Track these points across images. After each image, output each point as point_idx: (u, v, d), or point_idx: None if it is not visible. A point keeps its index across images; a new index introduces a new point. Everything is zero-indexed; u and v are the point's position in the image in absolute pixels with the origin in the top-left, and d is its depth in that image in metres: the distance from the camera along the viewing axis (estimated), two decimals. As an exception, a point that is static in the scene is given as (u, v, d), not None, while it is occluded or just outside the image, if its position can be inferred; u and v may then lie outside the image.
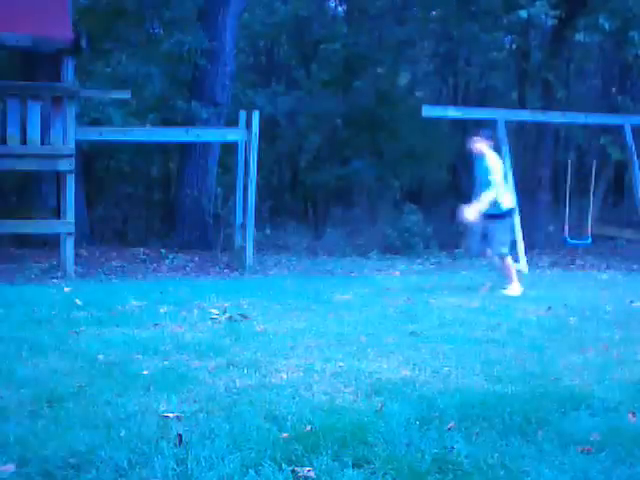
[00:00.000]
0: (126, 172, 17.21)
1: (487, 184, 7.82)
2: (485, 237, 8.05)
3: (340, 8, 19.77)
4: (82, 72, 11.16)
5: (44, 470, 3.01)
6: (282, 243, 12.88)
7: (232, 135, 10.98)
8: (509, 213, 8.18)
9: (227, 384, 4.24)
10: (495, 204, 7.87)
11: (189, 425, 3.52)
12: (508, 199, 8.14)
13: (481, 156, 7.98)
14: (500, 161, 8.13)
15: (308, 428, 3.45)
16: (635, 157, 12.14)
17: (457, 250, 12.39)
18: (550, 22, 12.31)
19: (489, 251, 8.14)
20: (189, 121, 12.20)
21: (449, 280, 9.19)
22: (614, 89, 18.30)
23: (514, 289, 7.97)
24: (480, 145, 8.02)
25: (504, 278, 8.13)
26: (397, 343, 5.38)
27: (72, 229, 9.26)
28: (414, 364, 4.76)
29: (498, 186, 7.83)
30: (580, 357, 5.06)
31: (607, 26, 12.11)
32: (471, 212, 7.73)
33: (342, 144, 17.60)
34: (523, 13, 11.90)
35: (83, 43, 9.04)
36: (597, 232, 12.47)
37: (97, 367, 4.53)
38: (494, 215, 7.89)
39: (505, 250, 8.04)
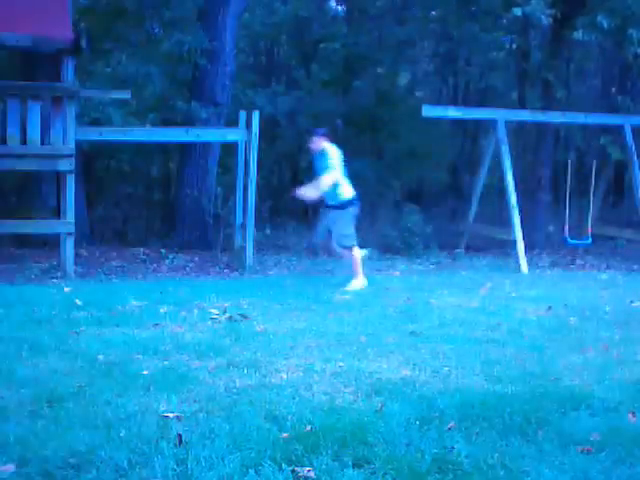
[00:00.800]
0: (126, 172, 17.20)
1: (326, 170, 8.11)
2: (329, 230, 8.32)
3: (340, 8, 19.76)
4: (82, 72, 11.15)
5: (44, 470, 3.02)
6: (282, 243, 12.87)
7: (232, 135, 10.97)
8: (349, 203, 8.26)
9: (227, 384, 4.24)
10: (335, 195, 8.17)
11: (189, 425, 3.52)
12: (347, 190, 8.26)
13: (321, 152, 8.22)
14: (339, 153, 8.31)
15: (308, 428, 3.45)
16: (635, 157, 12.14)
17: (457, 250, 12.40)
18: (546, 21, 12.28)
19: (335, 247, 8.37)
20: (189, 121, 12.19)
21: (449, 280, 9.19)
22: (614, 89, 18.30)
23: (357, 283, 8.13)
24: (318, 142, 8.26)
25: (354, 270, 8.27)
26: (397, 343, 5.38)
27: (72, 229, 9.25)
28: (414, 364, 4.77)
29: (337, 174, 8.10)
30: (580, 357, 5.07)
31: (605, 24, 12.11)
32: (309, 191, 8.08)
33: (342, 144, 17.55)
34: (517, 11, 11.90)
35: (83, 43, 9.03)
36: (597, 232, 12.47)
37: (97, 367, 4.53)
38: (334, 206, 8.22)
39: (349, 242, 8.24)
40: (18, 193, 13.60)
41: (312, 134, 8.44)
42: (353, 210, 8.32)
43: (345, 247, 8.28)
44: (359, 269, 8.28)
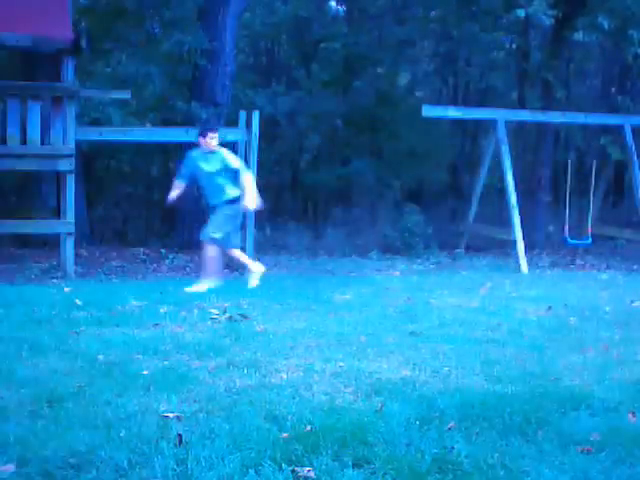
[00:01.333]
0: (126, 172, 17.22)
1: (234, 171, 8.08)
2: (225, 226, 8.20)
3: (340, 8, 19.76)
4: (82, 72, 11.16)
5: (44, 470, 3.01)
6: (282, 243, 12.88)
7: (232, 135, 10.95)
8: (237, 200, 8.17)
9: (227, 384, 4.24)
10: (222, 194, 8.09)
11: (189, 425, 3.52)
12: (234, 191, 8.17)
13: (213, 151, 8.15)
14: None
15: (308, 428, 3.45)
16: (635, 157, 12.15)
17: (457, 250, 12.41)
18: (548, 22, 12.30)
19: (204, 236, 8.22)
20: (189, 121, 12.19)
21: (449, 280, 9.19)
22: (614, 89, 18.30)
23: (203, 285, 7.92)
24: (215, 142, 8.18)
25: (204, 270, 8.15)
26: (397, 343, 5.38)
27: (72, 229, 9.25)
28: (414, 364, 4.76)
29: (244, 171, 8.13)
30: (580, 357, 5.06)
31: (606, 25, 12.12)
32: (253, 200, 8.01)
33: (342, 144, 17.59)
34: (520, 12, 11.92)
35: (83, 43, 9.04)
36: (597, 232, 12.48)
37: (97, 367, 4.53)
38: (223, 202, 8.10)
39: (217, 236, 8.08)
40: (18, 193, 13.61)
41: (212, 131, 8.26)
42: (238, 208, 8.20)
43: (212, 240, 8.12)
44: (210, 271, 8.11)
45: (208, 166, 8.15)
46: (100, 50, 12.64)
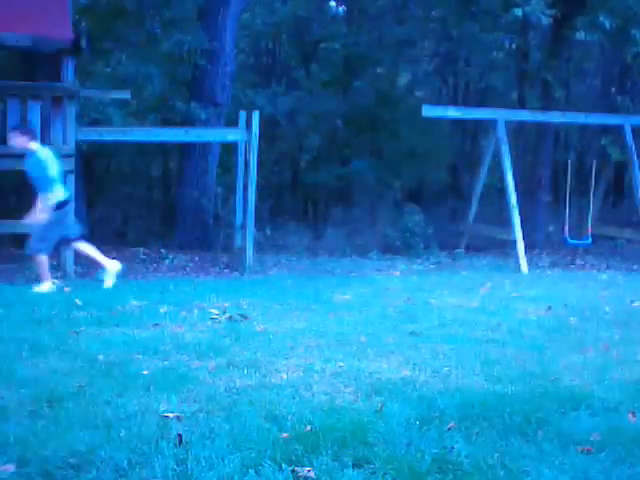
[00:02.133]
0: (126, 172, 17.24)
1: (49, 182, 7.67)
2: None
3: (340, 8, 19.77)
4: (82, 72, 11.15)
5: (44, 470, 3.01)
6: (282, 243, 12.89)
7: (232, 135, 10.98)
8: (60, 205, 7.81)
9: (227, 384, 4.23)
10: (43, 197, 7.74)
11: (189, 425, 3.52)
12: (59, 193, 7.81)
13: (30, 152, 7.77)
14: (51, 154, 7.85)
15: (308, 428, 3.45)
16: (635, 157, 12.16)
17: (457, 250, 12.41)
18: (546, 21, 12.31)
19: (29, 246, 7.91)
20: (189, 121, 12.20)
21: (449, 280, 9.19)
22: (614, 89, 18.31)
23: (45, 287, 7.67)
24: (21, 140, 7.81)
25: (41, 275, 7.87)
26: (397, 343, 5.38)
27: (72, 229, 9.24)
28: (414, 364, 4.76)
29: (56, 181, 7.72)
30: (580, 357, 5.06)
31: (607, 24, 12.12)
32: (43, 214, 7.65)
33: (342, 144, 17.61)
34: (518, 11, 11.92)
35: (83, 43, 9.04)
36: (597, 232, 12.49)
37: (97, 367, 4.53)
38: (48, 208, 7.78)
39: (43, 247, 7.77)
40: (18, 193, 13.60)
41: (13, 130, 7.96)
42: (62, 213, 7.86)
43: (37, 250, 7.81)
44: (46, 273, 7.83)
45: (29, 168, 7.79)
46: (100, 50, 12.64)
